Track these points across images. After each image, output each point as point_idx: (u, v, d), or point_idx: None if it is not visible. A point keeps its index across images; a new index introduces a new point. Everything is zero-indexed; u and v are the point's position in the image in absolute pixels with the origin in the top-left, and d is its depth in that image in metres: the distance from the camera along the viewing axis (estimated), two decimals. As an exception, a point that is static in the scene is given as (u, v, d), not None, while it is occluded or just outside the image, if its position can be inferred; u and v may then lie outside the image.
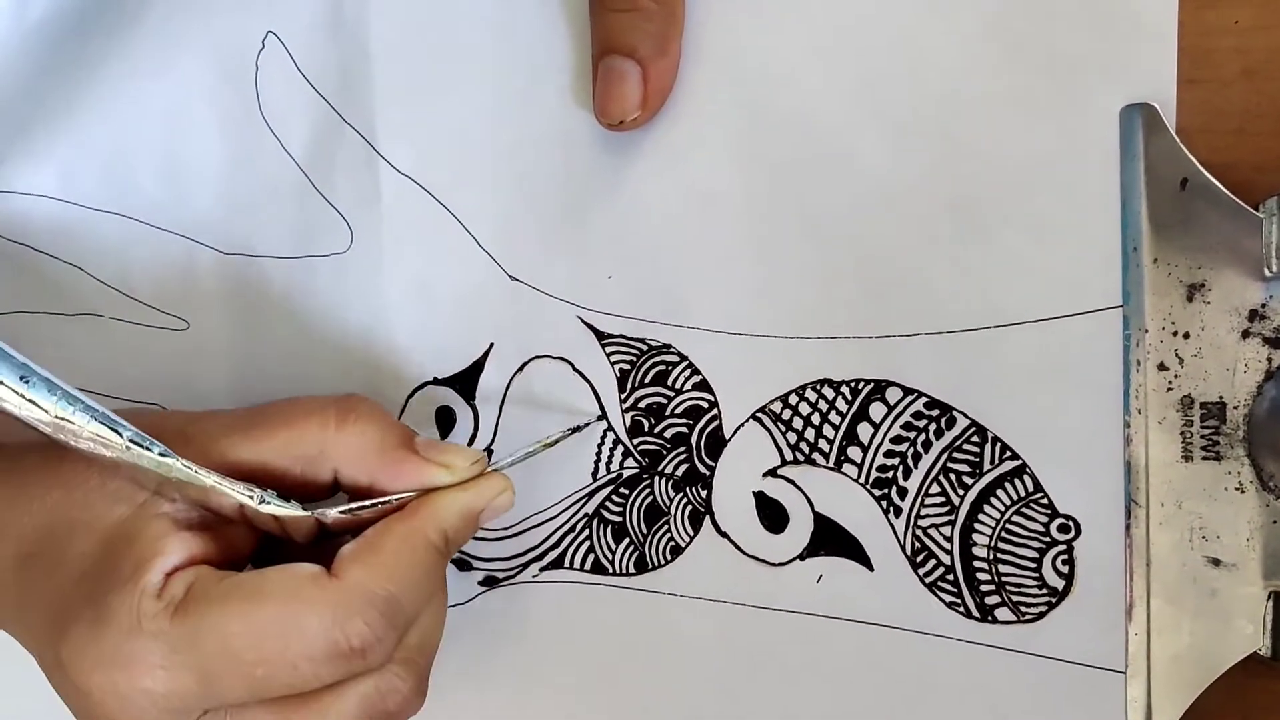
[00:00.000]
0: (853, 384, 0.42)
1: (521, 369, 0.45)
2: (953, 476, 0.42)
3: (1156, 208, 0.39)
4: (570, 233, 0.44)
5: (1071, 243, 0.40)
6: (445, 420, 0.46)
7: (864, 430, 0.42)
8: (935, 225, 0.41)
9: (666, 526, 0.44)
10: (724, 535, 0.44)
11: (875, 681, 0.42)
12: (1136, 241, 0.39)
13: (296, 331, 0.47)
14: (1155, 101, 0.39)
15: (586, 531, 0.45)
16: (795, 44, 0.41)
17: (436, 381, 0.46)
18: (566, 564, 0.45)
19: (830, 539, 0.43)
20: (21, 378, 0.36)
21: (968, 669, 0.42)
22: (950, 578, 0.42)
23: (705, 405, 0.44)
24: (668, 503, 0.44)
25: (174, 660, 0.36)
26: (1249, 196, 0.38)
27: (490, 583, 0.46)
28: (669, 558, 0.44)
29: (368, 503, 0.39)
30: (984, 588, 0.41)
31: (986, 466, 0.41)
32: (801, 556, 0.43)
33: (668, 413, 0.44)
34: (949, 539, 0.42)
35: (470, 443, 0.46)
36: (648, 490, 0.44)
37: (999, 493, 0.41)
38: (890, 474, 0.42)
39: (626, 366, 0.44)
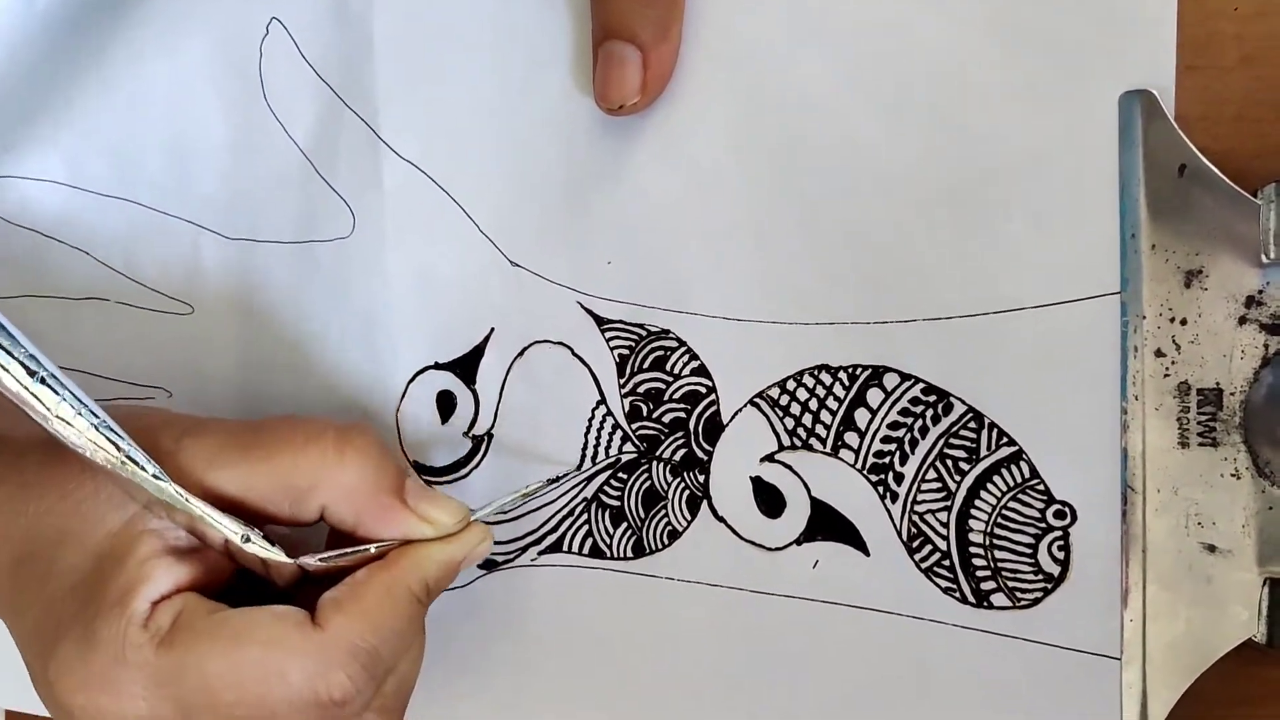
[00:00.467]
0: (850, 369, 0.42)
1: (521, 354, 0.45)
2: (949, 462, 0.42)
3: (1155, 194, 0.39)
4: (570, 219, 0.44)
5: (1070, 229, 0.40)
6: (446, 404, 0.46)
7: (861, 416, 0.42)
8: (933, 211, 0.41)
9: (664, 511, 0.44)
10: (721, 520, 0.44)
11: (871, 666, 0.43)
12: (1135, 228, 0.39)
13: (299, 316, 0.47)
14: (1154, 88, 0.39)
15: (585, 516, 0.45)
16: (795, 30, 0.42)
17: (437, 366, 0.46)
18: (565, 548, 0.45)
19: (827, 524, 0.43)
20: (29, 371, 0.36)
21: (963, 655, 0.42)
22: (946, 563, 0.42)
23: (703, 390, 0.44)
24: (665, 487, 0.44)
25: (156, 692, 0.36)
26: (1247, 183, 0.38)
27: (489, 566, 0.46)
28: (666, 542, 0.44)
29: (349, 550, 0.40)
30: (980, 573, 0.42)
31: (983, 452, 0.41)
32: (798, 541, 0.43)
33: (666, 398, 0.44)
34: (945, 525, 0.42)
35: (471, 426, 0.46)
36: (646, 475, 0.44)
37: (995, 479, 0.41)
38: (887, 459, 0.42)
39: (625, 352, 0.44)
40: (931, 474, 0.42)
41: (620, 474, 0.45)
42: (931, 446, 0.42)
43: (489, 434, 0.46)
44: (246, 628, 0.37)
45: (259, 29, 0.47)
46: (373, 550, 0.40)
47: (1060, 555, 0.41)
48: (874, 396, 0.42)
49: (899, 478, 0.42)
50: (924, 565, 0.42)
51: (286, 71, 0.47)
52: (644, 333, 0.44)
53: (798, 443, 0.43)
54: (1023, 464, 0.41)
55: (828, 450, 0.43)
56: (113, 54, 0.48)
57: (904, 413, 0.42)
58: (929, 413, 0.42)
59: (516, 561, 0.46)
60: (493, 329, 0.45)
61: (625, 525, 0.45)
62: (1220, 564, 0.39)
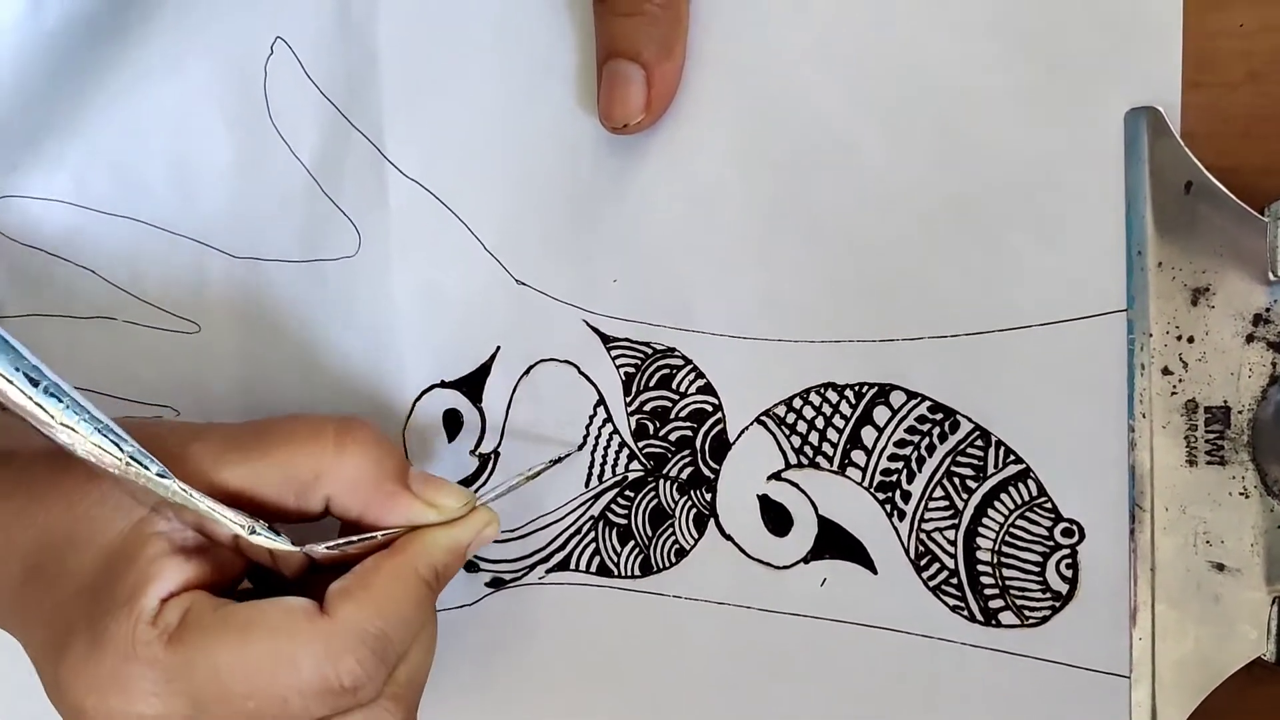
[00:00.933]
0: (857, 388, 0.42)
1: (528, 372, 0.45)
2: (956, 480, 0.42)
3: (1161, 211, 0.39)
4: (575, 237, 0.44)
5: (1076, 246, 0.40)
6: (452, 423, 0.46)
7: (868, 434, 0.42)
8: (939, 229, 0.41)
9: (671, 529, 0.44)
10: (728, 538, 0.44)
11: (879, 685, 0.43)
12: (1141, 245, 0.39)
13: (305, 334, 0.47)
14: (1160, 105, 0.39)
15: (592, 534, 0.45)
16: (800, 48, 0.41)
17: (444, 384, 0.46)
18: (572, 566, 0.45)
19: (834, 542, 0.43)
20: (31, 380, 0.36)
21: (971, 673, 0.42)
22: (954, 581, 0.42)
23: (710, 409, 0.44)
24: (672, 505, 0.44)
25: (167, 688, 0.36)
26: (1254, 200, 0.38)
27: (497, 584, 0.46)
28: (674, 560, 0.44)
29: (355, 538, 0.40)
30: (988, 591, 0.41)
31: (990, 470, 0.41)
32: (805, 560, 0.43)
33: (672, 416, 0.44)
34: (953, 543, 0.42)
35: (477, 445, 0.46)
36: (653, 493, 0.44)
37: (1003, 496, 0.41)
38: (894, 477, 0.42)
39: (631, 370, 0.44)
40: (939, 492, 0.42)
41: (627, 492, 0.45)
42: (939, 464, 0.42)
43: (495, 452, 0.46)
44: (254, 619, 0.37)
45: (264, 49, 0.47)
46: (379, 537, 0.40)
47: (1068, 573, 0.41)
48: (881, 414, 0.42)
49: (906, 496, 0.42)
50: (932, 583, 0.42)
51: (291, 91, 0.47)
52: (650, 351, 0.44)
53: (804, 461, 0.43)
54: (1030, 482, 0.41)
55: (835, 468, 0.43)
56: (119, 73, 0.48)
57: (911, 430, 0.42)
58: (936, 430, 0.42)
59: (524, 580, 0.46)
60: (499, 347, 0.46)
61: (633, 544, 0.45)
62: (1229, 582, 0.39)
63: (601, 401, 0.45)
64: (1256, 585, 0.39)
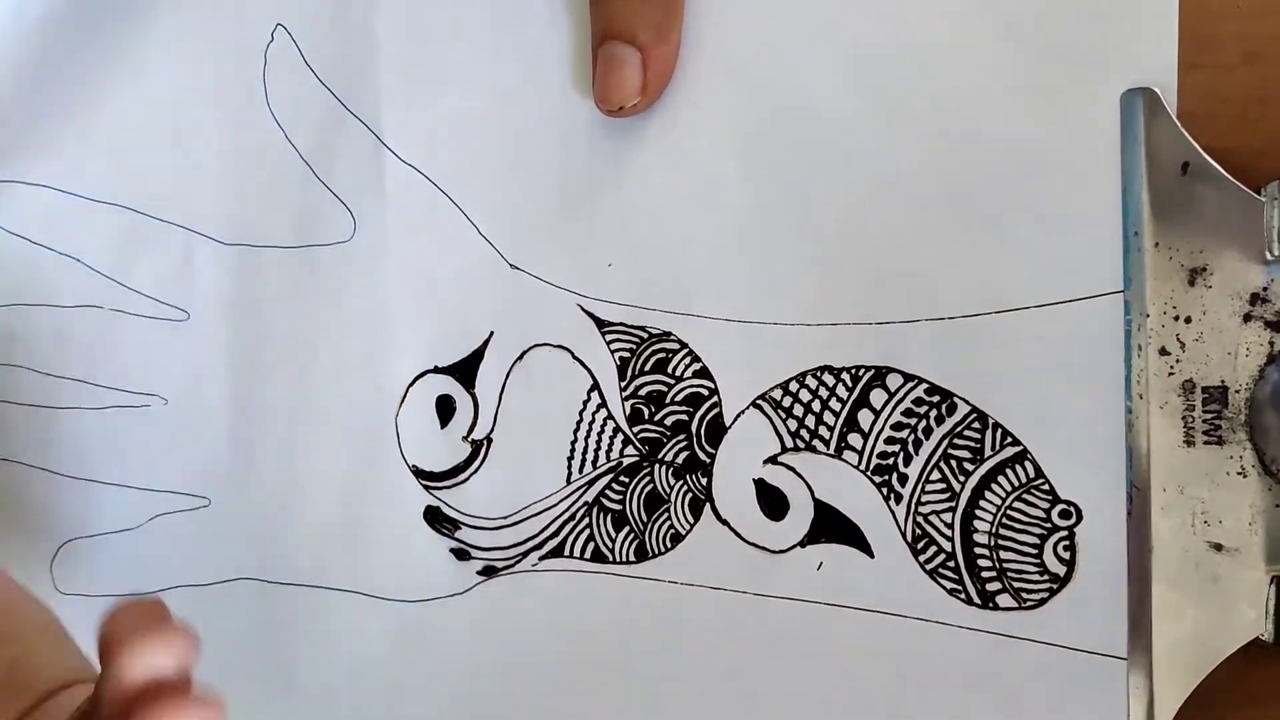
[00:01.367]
0: (853, 371, 0.42)
1: (521, 357, 0.45)
2: (953, 463, 0.41)
3: (1158, 192, 0.39)
4: (570, 221, 0.44)
5: (1072, 228, 0.40)
6: (445, 408, 0.46)
7: (864, 417, 0.42)
8: (935, 211, 0.41)
9: (667, 514, 0.44)
10: (724, 523, 0.44)
11: (876, 668, 0.42)
12: (1138, 226, 0.39)
13: (297, 321, 0.47)
14: (1157, 86, 0.39)
15: (586, 520, 0.45)
16: (795, 31, 0.41)
17: (437, 370, 0.46)
18: (566, 553, 0.45)
19: (830, 526, 0.43)
20: None
21: (969, 656, 0.41)
22: (951, 564, 0.42)
23: (705, 393, 0.44)
24: (668, 490, 0.44)
25: None
26: (1251, 181, 0.38)
27: (489, 572, 0.46)
28: (669, 545, 0.44)
29: None
30: (985, 574, 0.41)
31: (987, 453, 0.41)
32: (802, 544, 0.43)
33: (668, 400, 0.44)
34: (950, 525, 0.42)
35: (470, 430, 0.46)
36: (648, 478, 0.44)
37: (1000, 479, 0.41)
38: (891, 461, 0.42)
39: (626, 354, 0.44)
40: (936, 475, 0.42)
41: (622, 477, 0.44)
42: (935, 447, 0.42)
43: (488, 438, 0.46)
44: None
45: (264, 35, 0.47)
46: None
47: (1066, 555, 0.41)
48: (877, 397, 0.42)
49: (903, 479, 0.42)
50: (929, 566, 0.42)
51: (289, 78, 0.47)
52: (645, 335, 0.44)
53: (801, 444, 0.43)
54: (1027, 464, 0.41)
55: (831, 452, 0.43)
56: (116, 59, 0.48)
57: (907, 413, 0.42)
58: (932, 413, 0.42)
59: (517, 567, 0.46)
60: (492, 332, 0.45)
61: (627, 529, 0.44)
62: (1227, 563, 0.39)
63: (596, 386, 0.44)
64: (1255, 565, 0.39)
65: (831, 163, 0.42)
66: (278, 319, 0.47)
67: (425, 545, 0.47)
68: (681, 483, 0.44)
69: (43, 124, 0.49)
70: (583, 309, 0.44)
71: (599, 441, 0.45)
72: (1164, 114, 0.39)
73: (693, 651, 0.44)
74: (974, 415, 0.41)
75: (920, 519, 0.42)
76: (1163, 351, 0.39)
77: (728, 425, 0.43)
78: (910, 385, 0.42)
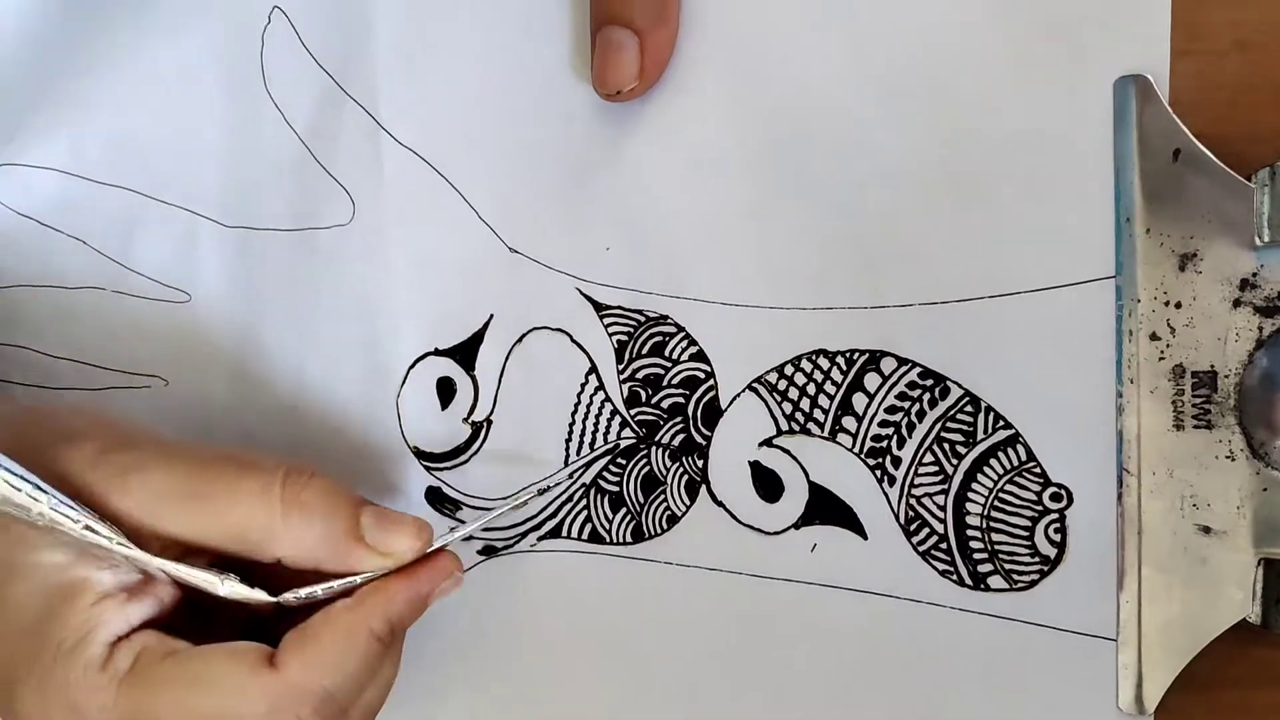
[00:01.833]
0: (848, 354, 0.43)
1: (520, 340, 0.45)
2: (946, 446, 0.42)
3: (1149, 179, 0.39)
4: (569, 205, 0.44)
5: (1065, 213, 0.40)
6: (445, 391, 0.46)
7: (859, 400, 0.43)
8: (930, 197, 0.41)
9: (663, 496, 0.45)
10: (720, 505, 0.44)
11: (869, 649, 0.43)
12: (1129, 212, 0.40)
13: (298, 303, 0.47)
14: (1149, 73, 0.39)
15: (584, 501, 0.45)
16: (792, 15, 0.42)
17: (437, 352, 0.46)
18: (564, 534, 0.46)
19: (825, 508, 0.43)
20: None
21: (960, 637, 0.42)
22: (943, 546, 0.42)
23: (702, 376, 0.44)
24: (664, 472, 0.44)
25: None
26: (1241, 167, 0.39)
27: (489, 552, 0.46)
28: (665, 527, 0.45)
29: (321, 587, 0.39)
30: (977, 556, 0.42)
31: (980, 436, 0.42)
32: (796, 525, 0.43)
33: (665, 383, 0.44)
34: (942, 508, 0.42)
35: (470, 412, 0.46)
36: (644, 460, 0.45)
37: (992, 462, 0.42)
38: (884, 443, 0.42)
39: (624, 337, 0.45)
40: (929, 457, 0.42)
41: (619, 460, 0.45)
42: (929, 430, 0.42)
43: (488, 420, 0.46)
44: (203, 671, 0.37)
45: (261, 18, 0.47)
46: (354, 583, 0.40)
47: (1057, 538, 0.41)
48: (871, 381, 0.42)
49: (896, 461, 0.42)
50: (921, 548, 0.42)
51: (287, 60, 0.47)
52: (642, 318, 0.44)
53: (796, 427, 0.43)
54: (1019, 447, 0.41)
55: (826, 434, 0.43)
56: (117, 42, 0.48)
57: (901, 397, 0.42)
58: (926, 396, 0.42)
59: (516, 547, 0.46)
60: (492, 315, 0.46)
61: (624, 511, 0.45)
62: (1215, 545, 0.40)
63: (594, 369, 0.45)
64: (1243, 548, 0.39)
65: (827, 148, 0.42)
66: (278, 301, 0.47)
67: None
68: (678, 465, 0.44)
69: (44, 107, 0.49)
70: (581, 292, 0.45)
71: (596, 424, 0.45)
72: (1156, 101, 0.39)
73: (688, 631, 0.44)
74: (967, 399, 0.42)
75: (913, 501, 0.42)
76: (1153, 336, 0.40)
77: (724, 408, 0.44)
78: (904, 369, 0.42)
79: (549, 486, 0.45)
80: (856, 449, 0.43)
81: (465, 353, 0.46)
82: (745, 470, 0.44)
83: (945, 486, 0.42)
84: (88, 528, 0.37)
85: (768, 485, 0.44)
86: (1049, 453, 0.41)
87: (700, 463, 0.44)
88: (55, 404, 0.46)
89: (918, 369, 0.42)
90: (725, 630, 0.44)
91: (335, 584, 0.40)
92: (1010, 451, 0.41)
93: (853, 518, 0.43)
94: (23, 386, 0.51)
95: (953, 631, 0.42)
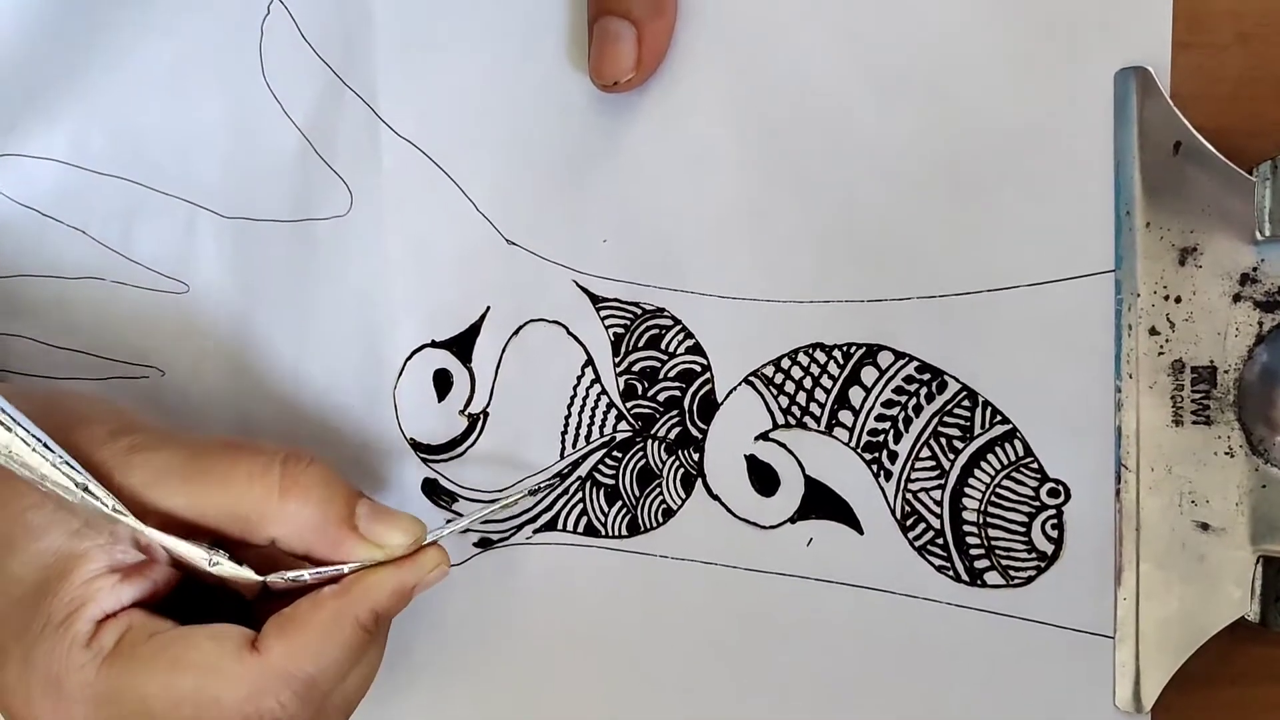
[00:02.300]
0: (845, 348, 0.42)
1: (517, 332, 0.45)
2: (943, 441, 0.42)
3: (1150, 172, 0.39)
4: (566, 197, 0.44)
5: (1064, 207, 0.40)
6: (442, 382, 0.46)
7: (855, 394, 0.42)
8: (929, 189, 0.41)
9: (659, 489, 0.44)
10: (715, 498, 0.44)
11: (864, 644, 0.43)
12: (1129, 205, 0.39)
13: (296, 294, 0.47)
14: (1150, 65, 0.39)
15: (580, 494, 0.45)
16: (792, 8, 0.42)
17: (434, 344, 0.46)
18: (559, 526, 0.45)
19: (821, 502, 0.43)
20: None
21: (956, 633, 0.42)
22: (940, 542, 0.42)
23: (698, 369, 0.44)
24: (660, 466, 0.44)
25: (95, 711, 0.37)
26: (1242, 160, 0.38)
27: (484, 544, 0.46)
28: (661, 520, 0.44)
29: (309, 572, 0.40)
30: (973, 552, 0.42)
31: (977, 431, 0.41)
32: (792, 520, 0.43)
33: (661, 376, 0.44)
34: (939, 503, 0.42)
35: (467, 404, 0.46)
36: (640, 453, 0.45)
37: (989, 457, 0.41)
38: (881, 438, 0.42)
39: (621, 330, 0.44)
40: (925, 452, 0.42)
41: (615, 453, 0.45)
42: (925, 425, 0.42)
43: (485, 412, 0.46)
44: (184, 652, 0.38)
45: (261, 9, 0.47)
46: (344, 570, 0.40)
47: (1054, 534, 0.41)
48: (868, 375, 0.42)
49: (893, 456, 0.42)
50: (918, 543, 0.42)
51: (286, 51, 0.47)
52: (639, 311, 0.44)
53: (792, 421, 0.43)
54: (1016, 442, 0.41)
55: (822, 429, 0.43)
56: (118, 33, 0.48)
57: (898, 391, 0.42)
58: (923, 391, 0.42)
59: (511, 540, 0.46)
60: (489, 307, 0.46)
61: (620, 504, 0.45)
62: (1213, 542, 0.39)
63: (590, 362, 0.45)
64: (1241, 545, 0.39)
65: (825, 140, 0.42)
66: (276, 292, 0.47)
67: (423, 517, 0.47)
68: (674, 458, 0.44)
69: (44, 98, 0.49)
70: (578, 284, 0.45)
71: (593, 416, 0.45)
72: (1157, 93, 0.39)
73: (683, 625, 0.44)
74: (964, 393, 0.41)
75: (910, 496, 0.42)
76: (1153, 331, 0.39)
77: (720, 401, 0.44)
78: (901, 363, 0.42)
79: (539, 487, 0.45)
80: (853, 443, 0.42)
81: (462, 345, 0.46)
82: (741, 464, 0.44)
83: (942, 481, 0.42)
84: (86, 489, 0.37)
85: (764, 479, 0.43)
86: (1047, 448, 0.41)
87: (696, 456, 0.44)
88: (64, 390, 0.46)
89: (915, 363, 0.42)
90: (720, 624, 0.44)
91: (323, 570, 0.40)
92: (1008, 446, 0.41)
93: (849, 512, 0.43)
94: (22, 376, 0.51)
95: (949, 628, 0.42)
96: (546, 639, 0.46)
